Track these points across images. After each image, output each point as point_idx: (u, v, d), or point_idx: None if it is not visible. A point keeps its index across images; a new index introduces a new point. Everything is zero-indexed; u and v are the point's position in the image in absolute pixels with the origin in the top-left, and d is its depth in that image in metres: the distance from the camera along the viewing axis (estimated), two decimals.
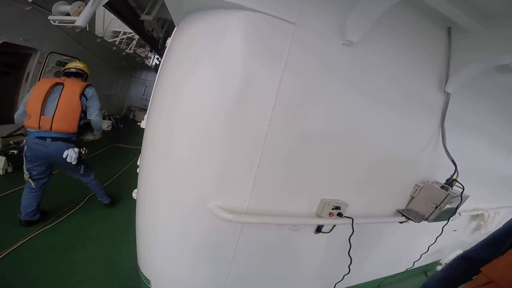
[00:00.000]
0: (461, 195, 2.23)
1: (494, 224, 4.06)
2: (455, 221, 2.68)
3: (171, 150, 1.84)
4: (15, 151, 4.97)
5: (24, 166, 3.32)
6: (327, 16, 1.65)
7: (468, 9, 1.84)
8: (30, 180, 3.35)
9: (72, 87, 3.38)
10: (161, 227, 2.05)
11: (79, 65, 3.70)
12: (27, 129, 3.24)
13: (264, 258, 2.24)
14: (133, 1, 7.28)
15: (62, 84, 3.36)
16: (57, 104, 3.23)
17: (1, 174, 4.74)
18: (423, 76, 2.17)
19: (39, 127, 3.16)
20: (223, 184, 1.80)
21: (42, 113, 3.17)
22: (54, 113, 3.21)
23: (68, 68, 3.58)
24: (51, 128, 3.18)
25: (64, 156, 3.01)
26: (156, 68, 16.10)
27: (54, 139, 3.23)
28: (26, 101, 3.22)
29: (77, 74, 3.62)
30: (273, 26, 1.55)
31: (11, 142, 5.10)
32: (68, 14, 4.19)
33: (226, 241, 2.00)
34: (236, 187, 1.82)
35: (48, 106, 3.22)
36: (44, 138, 3.19)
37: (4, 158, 4.78)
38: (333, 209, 2.04)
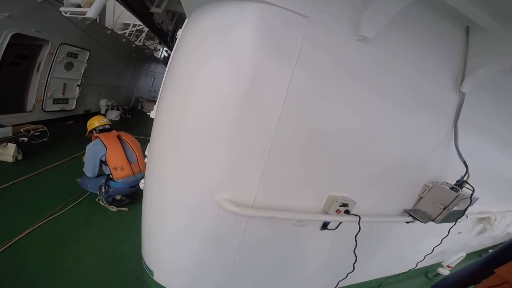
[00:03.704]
0: (470, 197, 2.19)
1: (500, 228, 4.01)
2: (460, 223, 2.66)
3: (180, 141, 1.84)
4: (25, 139, 5.05)
5: (107, 204, 4.05)
6: (342, 10, 1.62)
7: (488, 9, 1.79)
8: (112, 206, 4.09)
9: (126, 135, 4.27)
10: (167, 219, 2.07)
11: (108, 121, 4.42)
12: (118, 180, 3.89)
13: (268, 252, 2.25)
14: None
15: (120, 136, 4.14)
16: (133, 152, 4.12)
17: (12, 161, 4.81)
18: (437, 75, 2.13)
19: (133, 173, 3.96)
20: (231, 177, 1.81)
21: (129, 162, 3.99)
22: (137, 158, 4.09)
23: (104, 125, 4.22)
24: (140, 171, 4.04)
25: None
26: (164, 60, 16.16)
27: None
28: (95, 162, 3.85)
29: (110, 128, 4.34)
30: (286, 19, 1.53)
31: (21, 130, 5.17)
32: (79, 6, 4.23)
33: (231, 234, 2.01)
34: (244, 180, 1.82)
35: (129, 156, 4.03)
36: (134, 186, 4.00)
37: (14, 145, 4.84)
38: (340, 206, 2.03)
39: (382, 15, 1.60)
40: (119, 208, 4.04)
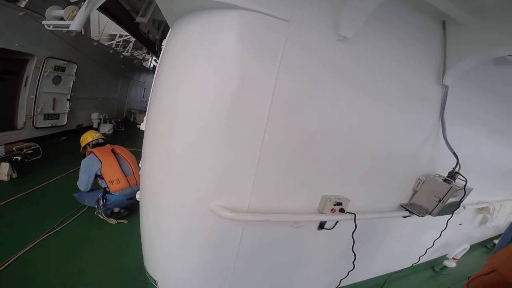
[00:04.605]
0: (464, 188, 2.20)
1: (501, 217, 4.02)
2: (460, 214, 2.66)
3: (170, 151, 1.84)
4: (19, 158, 5.02)
5: (106, 217, 4.02)
6: (321, 12, 1.63)
7: (461, 2, 1.82)
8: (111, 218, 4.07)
9: (120, 149, 4.29)
10: (164, 228, 2.06)
11: (101, 135, 4.44)
12: (115, 192, 3.92)
13: (268, 255, 2.25)
14: (127, 3, 7.21)
15: (114, 150, 4.17)
16: (128, 164, 4.14)
17: (6, 180, 4.78)
18: (421, 69, 2.15)
19: (129, 185, 3.99)
20: (224, 184, 1.81)
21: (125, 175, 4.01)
22: (132, 171, 4.11)
23: (97, 140, 4.24)
24: (136, 183, 4.04)
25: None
26: (154, 70, 15.95)
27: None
28: (90, 177, 3.87)
29: (104, 142, 4.37)
30: (267, 24, 1.54)
31: (14, 148, 5.13)
32: (62, 19, 4.18)
33: (229, 240, 2.00)
34: (237, 186, 1.82)
35: (124, 168, 4.05)
36: (132, 198, 3.99)
37: (8, 164, 4.82)
38: (334, 205, 2.03)
39: (360, 13, 1.61)
40: (119, 221, 4.03)
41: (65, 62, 7.73)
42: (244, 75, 1.59)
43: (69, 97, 8.38)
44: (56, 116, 8.15)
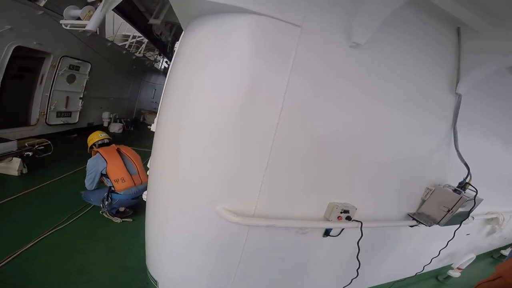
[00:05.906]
0: (474, 199, 2.16)
1: (510, 228, 3.94)
2: (468, 225, 2.61)
3: (180, 153, 1.86)
4: (30, 153, 5.11)
5: (111, 216, 4.05)
6: (333, 18, 1.64)
7: (476, 9, 1.80)
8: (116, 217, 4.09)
9: (126, 148, 4.36)
10: (170, 229, 2.07)
11: (107, 135, 4.49)
12: (120, 192, 3.96)
13: (272, 260, 2.23)
14: (142, 5, 7.39)
15: (119, 150, 4.23)
16: (134, 164, 4.19)
17: (17, 175, 4.86)
18: (433, 77, 2.13)
19: (134, 184, 4.02)
20: (231, 187, 1.81)
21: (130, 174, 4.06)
22: (137, 170, 4.16)
23: (102, 140, 4.32)
24: (141, 182, 4.09)
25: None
26: (165, 71, 16.24)
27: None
28: (95, 175, 3.91)
29: (110, 142, 4.43)
30: (279, 29, 1.55)
31: (26, 144, 5.24)
32: (78, 18, 4.29)
33: (234, 244, 2.00)
34: (244, 190, 1.82)
35: (129, 167, 4.09)
36: (137, 197, 4.01)
37: (19, 159, 4.90)
38: (341, 212, 2.01)
39: (373, 19, 1.62)
40: (123, 220, 4.07)
41: (80, 61, 7.92)
42: (255, 78, 1.60)
43: (82, 96, 8.57)
44: (69, 114, 8.34)
